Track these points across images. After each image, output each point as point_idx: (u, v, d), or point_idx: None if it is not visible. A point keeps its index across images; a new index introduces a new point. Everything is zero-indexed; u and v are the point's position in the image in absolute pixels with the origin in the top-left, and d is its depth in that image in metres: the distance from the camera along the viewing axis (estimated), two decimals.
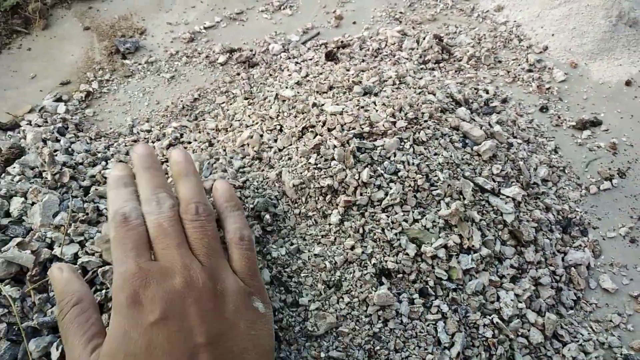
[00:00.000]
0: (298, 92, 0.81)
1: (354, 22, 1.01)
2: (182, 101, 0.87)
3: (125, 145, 0.80)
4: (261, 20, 1.02)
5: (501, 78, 0.92)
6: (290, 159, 0.67)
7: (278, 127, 0.73)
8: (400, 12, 1.02)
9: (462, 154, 0.71)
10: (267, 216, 0.63)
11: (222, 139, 0.78)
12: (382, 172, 0.65)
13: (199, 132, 0.81)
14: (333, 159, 0.65)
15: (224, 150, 0.75)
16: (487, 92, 0.87)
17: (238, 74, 0.92)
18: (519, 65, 0.94)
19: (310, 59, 0.94)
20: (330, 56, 0.92)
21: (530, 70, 0.92)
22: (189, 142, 0.80)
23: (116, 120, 0.85)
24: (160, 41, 0.99)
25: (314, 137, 0.68)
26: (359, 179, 0.63)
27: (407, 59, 0.92)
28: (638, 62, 0.93)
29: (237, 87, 0.89)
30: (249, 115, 0.79)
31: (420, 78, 0.86)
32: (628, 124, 0.85)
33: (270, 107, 0.79)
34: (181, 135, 0.82)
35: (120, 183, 0.46)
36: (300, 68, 0.91)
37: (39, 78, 0.92)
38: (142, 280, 0.39)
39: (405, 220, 0.63)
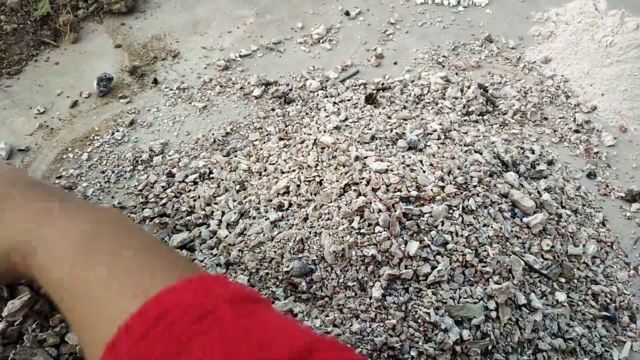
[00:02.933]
0: (338, 139, 0.77)
1: (395, 63, 0.97)
2: (213, 134, 0.83)
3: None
4: (299, 52, 0.99)
5: (547, 137, 0.88)
6: (330, 219, 0.63)
7: (317, 179, 0.69)
8: (444, 56, 0.98)
9: (511, 226, 0.67)
10: (303, 283, 0.59)
11: (255, 184, 0.73)
12: (429, 242, 0.60)
13: (231, 171, 0.77)
14: (377, 224, 0.60)
15: (257, 197, 0.71)
16: (533, 152, 0.82)
17: (273, 110, 0.88)
18: (566, 124, 0.90)
19: (349, 100, 0.90)
20: (370, 99, 0.88)
21: (577, 131, 0.88)
22: (222, 180, 0.75)
23: (144, 149, 0.81)
24: (193, 66, 0.95)
25: (357, 197, 0.64)
26: (404, 250, 0.59)
27: (451, 108, 0.88)
28: None
29: (272, 124, 0.85)
30: (285, 160, 0.75)
31: (466, 132, 0.82)
32: None
33: (309, 154, 0.74)
34: (210, 171, 0.78)
35: None
36: (339, 109, 0.87)
37: (64, 96, 0.88)
38: None
39: (452, 298, 0.58)
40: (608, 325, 0.67)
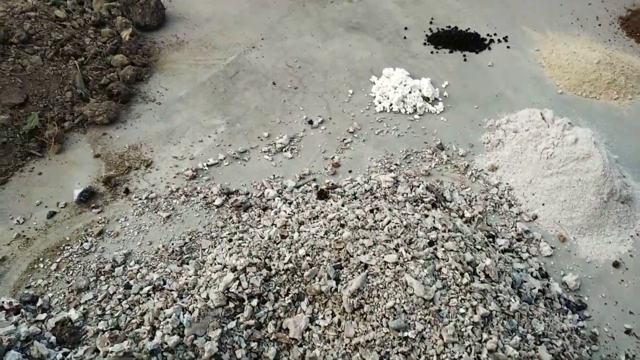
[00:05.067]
0: (289, 219, 0.84)
1: (350, 171, 1.05)
2: (173, 244, 0.90)
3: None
4: (262, 161, 1.07)
5: None
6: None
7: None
8: (396, 164, 1.06)
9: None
10: None
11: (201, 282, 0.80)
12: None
13: (180, 281, 0.83)
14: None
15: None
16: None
17: (230, 218, 0.95)
18: (508, 232, 0.95)
19: (302, 197, 0.98)
20: (322, 194, 0.95)
21: (518, 240, 0.93)
22: (170, 291, 0.81)
23: (108, 259, 0.88)
24: (164, 175, 1.04)
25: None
26: None
27: (403, 200, 0.94)
28: (628, 240, 0.93)
29: (227, 232, 0.92)
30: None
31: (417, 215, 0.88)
32: (612, 311, 0.84)
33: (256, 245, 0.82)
34: (164, 282, 0.84)
35: None
36: (290, 206, 0.94)
37: (43, 205, 0.97)
38: None
39: None
40: None
